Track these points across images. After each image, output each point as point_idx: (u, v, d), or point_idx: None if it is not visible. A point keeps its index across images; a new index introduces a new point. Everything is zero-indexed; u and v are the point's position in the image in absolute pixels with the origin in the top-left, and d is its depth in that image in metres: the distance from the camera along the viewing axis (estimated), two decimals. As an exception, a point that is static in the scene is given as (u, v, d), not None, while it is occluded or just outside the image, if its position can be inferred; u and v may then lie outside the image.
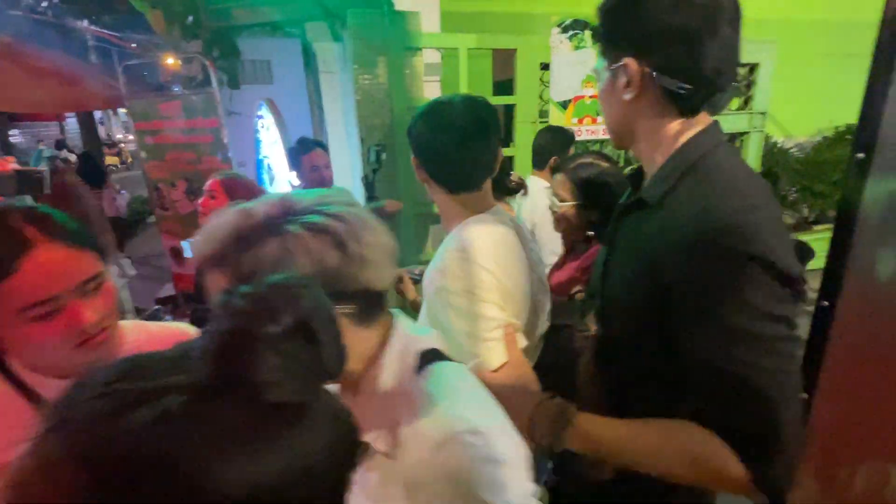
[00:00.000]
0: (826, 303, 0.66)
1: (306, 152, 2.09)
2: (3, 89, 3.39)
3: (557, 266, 1.45)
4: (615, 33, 0.62)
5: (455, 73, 2.49)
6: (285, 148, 2.60)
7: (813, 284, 0.63)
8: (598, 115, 2.69)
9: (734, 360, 0.55)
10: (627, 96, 0.62)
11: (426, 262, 0.92)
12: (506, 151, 2.67)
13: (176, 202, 3.27)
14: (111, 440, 0.26)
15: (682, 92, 0.59)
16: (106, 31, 4.08)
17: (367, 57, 2.39)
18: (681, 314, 0.59)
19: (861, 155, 0.61)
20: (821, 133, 4.21)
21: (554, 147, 2.16)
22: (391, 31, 2.33)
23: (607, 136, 2.86)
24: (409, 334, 0.56)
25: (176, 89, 3.25)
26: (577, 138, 2.70)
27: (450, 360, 0.56)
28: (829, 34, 3.99)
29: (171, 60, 3.41)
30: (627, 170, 2.45)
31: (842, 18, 3.58)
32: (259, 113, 2.69)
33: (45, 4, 3.64)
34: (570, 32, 2.52)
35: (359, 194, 2.55)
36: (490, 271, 0.76)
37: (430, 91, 2.58)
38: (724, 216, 0.56)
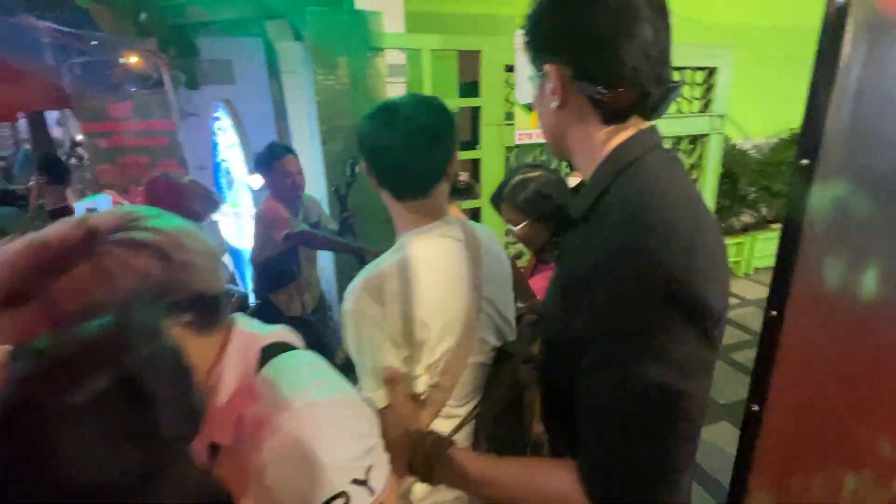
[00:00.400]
0: (774, 312, 0.65)
1: (278, 158, 2.00)
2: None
3: (530, 273, 1.44)
4: (537, 41, 0.60)
5: (421, 74, 2.45)
6: (244, 151, 2.50)
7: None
8: (563, 117, 2.70)
9: (624, 396, 0.50)
10: (553, 105, 0.59)
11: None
12: (472, 154, 2.65)
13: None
14: None
15: (602, 97, 0.56)
16: (58, 29, 3.86)
17: (327, 58, 2.32)
18: (577, 340, 0.53)
19: (805, 161, 0.60)
20: (777, 135, 4.37)
21: None
22: (352, 32, 2.27)
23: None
24: (250, 333, 0.57)
25: (130, 89, 3.09)
26: (542, 141, 2.70)
27: (296, 349, 0.58)
28: (783, 39, 4.15)
29: (122, 59, 3.24)
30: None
31: (795, 24, 3.72)
32: (216, 115, 2.58)
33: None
34: (535, 35, 2.51)
35: (323, 200, 2.48)
36: (400, 303, 0.72)
37: (395, 92, 2.53)
38: (631, 241, 0.50)
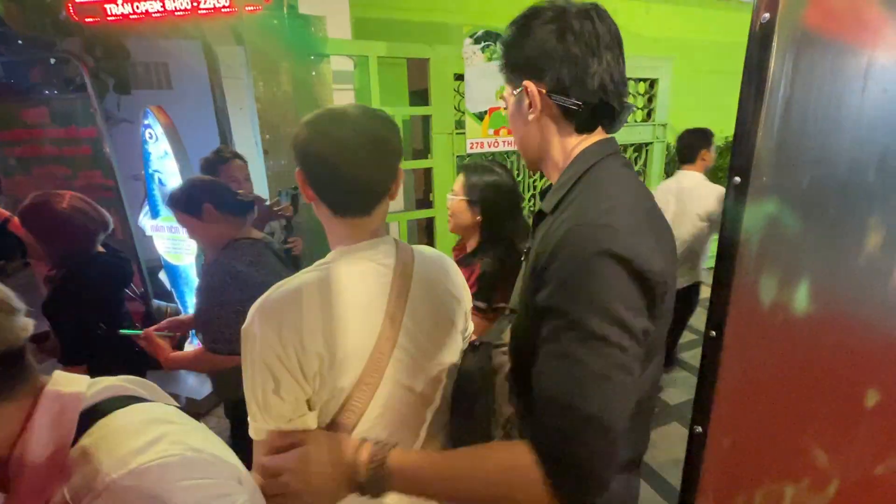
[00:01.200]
0: (713, 332, 0.63)
1: (224, 163, 1.86)
2: None
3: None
4: (516, 60, 0.68)
5: (368, 81, 2.38)
6: (178, 160, 2.33)
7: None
8: (514, 126, 2.72)
9: (571, 356, 0.55)
10: (531, 116, 0.68)
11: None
12: (423, 163, 2.60)
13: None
14: None
15: (574, 108, 0.66)
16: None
17: (267, 63, 2.21)
18: (538, 311, 0.59)
19: (738, 179, 0.58)
20: (714, 143, 4.62)
21: (701, 142, 2.57)
22: (293, 36, 2.17)
23: (523, 147, 2.90)
24: (68, 393, 0.48)
25: (47, 94, 2.82)
26: (494, 149, 2.70)
27: (135, 400, 0.50)
28: (718, 53, 4.41)
29: (39, 60, 2.96)
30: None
31: (729, 40, 3.97)
32: (145, 122, 2.39)
33: None
34: (483, 44, 2.51)
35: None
36: (294, 328, 0.65)
37: (342, 100, 2.45)
38: (587, 219, 0.59)
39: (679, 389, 2.63)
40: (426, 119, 2.56)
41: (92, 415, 0.47)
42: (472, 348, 0.83)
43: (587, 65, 0.64)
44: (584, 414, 0.53)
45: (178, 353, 1.34)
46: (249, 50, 2.23)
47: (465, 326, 0.90)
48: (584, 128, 0.69)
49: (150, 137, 2.43)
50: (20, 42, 3.05)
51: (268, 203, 1.92)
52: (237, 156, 1.99)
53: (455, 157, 2.60)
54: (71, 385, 0.49)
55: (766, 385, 0.66)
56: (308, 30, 2.19)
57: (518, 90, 0.69)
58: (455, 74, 2.53)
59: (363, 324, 0.69)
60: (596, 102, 0.66)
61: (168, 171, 2.42)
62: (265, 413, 0.65)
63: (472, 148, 2.62)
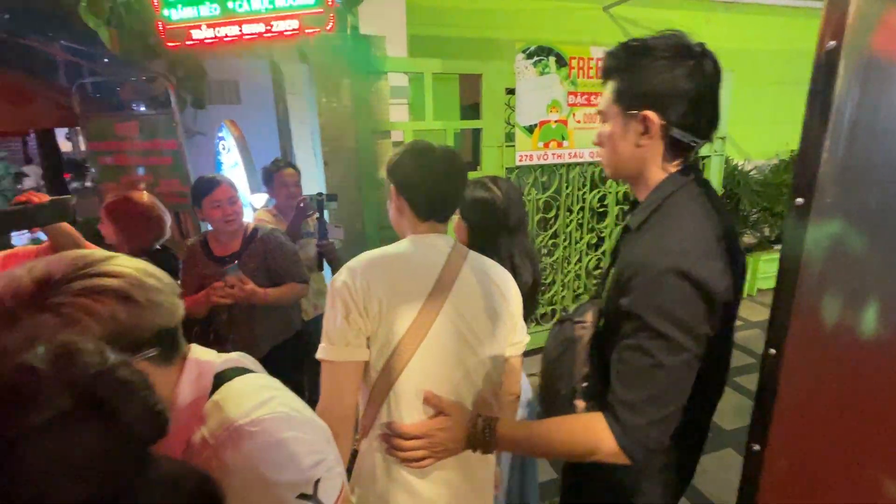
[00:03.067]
0: (773, 351, 0.64)
1: (278, 171, 2.22)
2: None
3: None
4: (637, 89, 0.74)
5: (423, 96, 2.49)
6: (247, 170, 2.53)
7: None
8: (563, 139, 2.73)
9: (643, 349, 0.71)
10: (643, 143, 0.76)
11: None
12: (473, 174, 2.66)
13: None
14: None
15: (691, 143, 0.74)
16: (72, 48, 3.96)
17: (330, 80, 2.36)
18: (622, 313, 0.74)
19: (800, 200, 0.59)
20: (778, 156, 4.38)
21: None
22: (355, 55, 2.31)
23: (573, 160, 2.89)
24: (205, 361, 0.59)
25: (138, 109, 3.15)
26: (543, 162, 2.73)
27: (248, 371, 0.61)
28: (780, 62, 4.20)
29: (130, 80, 3.32)
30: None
31: (793, 48, 3.77)
32: (220, 134, 2.61)
33: (5, 17, 3.50)
34: (535, 58, 2.55)
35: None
36: (368, 278, 0.83)
37: (397, 114, 2.57)
38: (665, 241, 0.72)
39: (733, 413, 2.51)
40: (477, 132, 2.63)
41: (220, 378, 0.58)
42: (557, 323, 1.00)
43: (709, 106, 0.73)
44: (648, 393, 0.71)
45: (270, 288, 1.70)
46: (314, 68, 2.39)
47: (514, 333, 0.97)
48: (680, 156, 0.77)
49: (224, 149, 2.65)
50: (108, 63, 3.42)
51: (302, 205, 2.11)
52: (290, 165, 2.30)
53: (505, 170, 2.64)
54: (205, 356, 0.61)
55: (827, 406, 0.65)
56: (369, 49, 2.32)
57: (630, 114, 0.75)
58: (506, 89, 2.58)
59: (416, 285, 0.86)
60: (704, 137, 0.75)
61: (237, 180, 2.63)
62: (333, 336, 0.83)
63: (521, 160, 2.66)
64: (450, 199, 0.93)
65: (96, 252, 0.52)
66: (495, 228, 1.24)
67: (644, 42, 0.74)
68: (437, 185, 0.90)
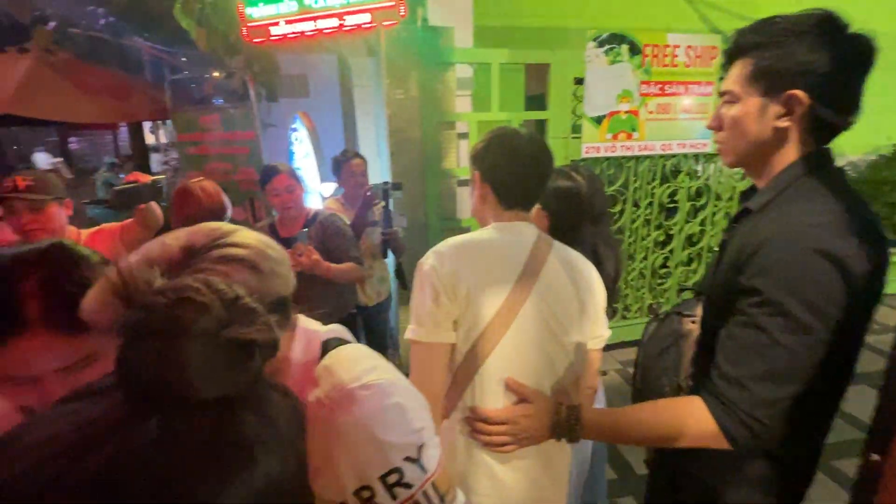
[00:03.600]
0: (906, 352, 0.58)
1: (347, 161, 2.31)
2: (63, 101, 3.61)
3: None
4: (782, 65, 0.69)
5: (487, 87, 2.48)
6: (317, 160, 2.65)
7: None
8: (633, 130, 2.62)
9: (758, 326, 0.66)
10: (783, 124, 0.71)
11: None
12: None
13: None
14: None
15: (834, 123, 0.69)
16: (156, 48, 4.31)
17: (400, 72, 2.40)
18: (738, 291, 0.69)
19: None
20: (877, 150, 3.95)
21: None
22: (425, 47, 2.34)
23: (643, 153, 2.76)
24: (311, 329, 0.64)
25: (217, 102, 3.38)
26: (611, 154, 2.63)
27: (347, 342, 0.65)
28: (885, 44, 3.76)
29: (215, 75, 3.55)
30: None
31: (890, 29, 3.37)
32: (293, 126, 2.75)
33: (102, 22, 3.88)
34: (607, 46, 2.46)
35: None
36: (456, 262, 0.84)
37: (462, 105, 2.57)
38: (801, 219, 0.66)
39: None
40: (542, 123, 2.59)
41: (326, 345, 0.62)
42: (657, 319, 0.97)
43: (857, 86, 0.69)
44: (759, 370, 0.65)
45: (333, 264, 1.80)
46: (383, 60, 2.44)
47: (597, 326, 0.95)
48: (819, 139, 0.71)
49: (296, 140, 2.79)
50: (200, 60, 3.68)
51: (369, 194, 2.17)
52: (358, 155, 2.38)
53: (570, 162, 2.58)
54: (311, 325, 0.65)
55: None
56: (438, 40, 2.34)
57: (772, 94, 0.70)
58: (574, 79, 2.51)
59: (503, 271, 0.87)
60: (850, 120, 0.70)
61: (308, 169, 2.76)
62: (423, 317, 0.85)
63: (587, 153, 2.58)
64: (536, 188, 0.93)
65: (224, 225, 0.57)
66: (578, 218, 1.22)
67: (790, 18, 0.70)
68: (523, 173, 0.90)
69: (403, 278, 2.26)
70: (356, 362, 0.59)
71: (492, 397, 0.85)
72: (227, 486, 0.29)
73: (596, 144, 2.58)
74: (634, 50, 2.50)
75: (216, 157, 3.27)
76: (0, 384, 0.59)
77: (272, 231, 1.95)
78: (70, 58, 3.76)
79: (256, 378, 0.35)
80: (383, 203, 2.14)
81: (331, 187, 2.70)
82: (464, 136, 2.58)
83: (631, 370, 1.01)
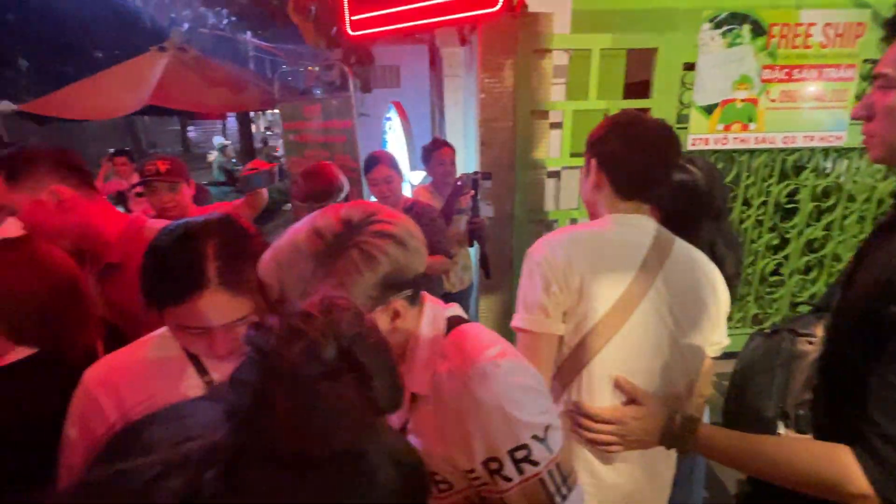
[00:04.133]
0: None
1: (438, 149, 2.39)
2: (193, 94, 4.09)
3: None
4: None
5: (583, 74, 2.37)
6: (408, 148, 2.75)
7: None
8: (749, 121, 2.36)
9: None
10: None
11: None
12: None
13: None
14: None
15: None
16: (265, 44, 4.70)
17: (494, 60, 2.38)
18: (890, 323, 0.60)
19: None
20: None
21: None
22: (522, 33, 2.29)
23: (760, 146, 2.48)
24: (436, 305, 0.67)
25: (318, 93, 3.62)
26: (721, 147, 2.40)
27: (467, 321, 0.67)
28: None
29: (316, 68, 3.80)
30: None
31: None
32: (388, 115, 2.86)
33: (224, 22, 4.31)
34: (725, 28, 2.24)
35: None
36: (570, 254, 0.82)
37: (557, 94, 2.49)
38: None
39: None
40: (643, 112, 2.42)
41: (450, 322, 0.65)
42: (765, 334, 0.89)
43: None
44: None
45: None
46: (478, 49, 2.44)
47: (716, 332, 0.88)
48: None
49: (390, 129, 2.90)
50: (305, 53, 3.95)
51: (459, 183, 2.18)
52: (447, 144, 2.44)
53: (672, 155, 2.40)
54: (434, 301, 0.68)
55: None
56: (536, 27, 2.28)
57: None
58: (684, 64, 2.32)
59: (620, 266, 0.83)
60: None
61: (400, 159, 2.87)
62: (532, 306, 0.84)
63: (693, 144, 2.38)
64: (659, 179, 0.87)
65: (372, 203, 0.61)
66: (696, 214, 1.12)
67: None
68: (646, 162, 0.85)
69: (488, 267, 2.27)
70: (485, 340, 0.62)
71: (598, 395, 0.83)
72: None
73: (704, 136, 2.37)
74: (758, 30, 2.24)
75: (316, 144, 3.51)
76: (177, 332, 0.69)
77: None
78: (198, 55, 4.25)
79: (373, 434, 0.30)
80: (473, 192, 2.15)
81: (420, 175, 2.77)
82: (556, 125, 2.50)
83: (725, 383, 0.89)
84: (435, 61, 4.00)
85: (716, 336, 0.89)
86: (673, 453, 0.84)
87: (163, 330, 0.79)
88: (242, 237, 0.71)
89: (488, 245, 2.29)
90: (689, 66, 2.32)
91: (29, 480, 0.80)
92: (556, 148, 2.52)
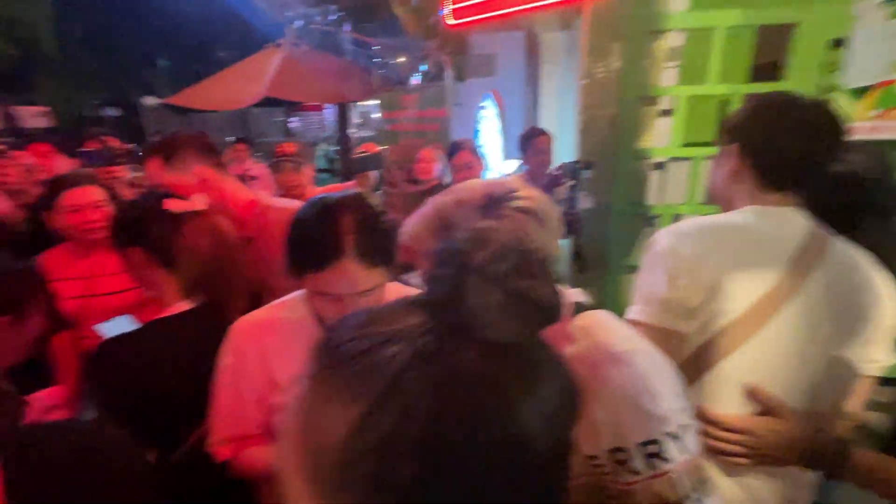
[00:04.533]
0: None
1: (535, 137, 2.38)
2: (304, 86, 4.44)
3: None
4: None
5: (701, 56, 2.16)
6: (502, 138, 2.73)
7: None
8: (915, 105, 1.98)
9: None
10: None
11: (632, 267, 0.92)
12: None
13: (401, 183, 3.79)
14: (369, 373, 0.29)
15: None
16: (365, 37, 4.93)
17: (600, 43, 2.26)
18: None
19: None
20: None
21: None
22: (634, 13, 2.14)
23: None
24: (562, 289, 0.65)
25: (415, 83, 3.73)
26: (874, 136, 2.05)
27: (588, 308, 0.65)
28: None
29: (412, 57, 3.91)
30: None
31: None
32: (483, 104, 2.86)
33: (332, 18, 4.60)
34: (891, -5, 1.89)
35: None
36: (706, 248, 0.76)
37: (669, 79, 2.30)
38: None
39: None
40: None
41: (577, 306, 0.64)
42: None
43: None
44: None
45: None
46: (584, 32, 2.33)
47: (877, 348, 0.76)
48: None
49: (484, 117, 2.90)
50: (404, 45, 4.07)
51: (557, 173, 2.11)
52: (544, 133, 2.41)
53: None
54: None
55: None
56: (650, 6, 2.12)
57: None
58: (831, 41, 2.01)
59: (763, 263, 0.75)
60: None
61: (492, 147, 2.86)
62: (652, 299, 0.79)
63: (835, 134, 2.07)
64: (814, 167, 0.78)
65: (514, 180, 0.63)
66: (856, 210, 0.98)
67: None
68: (804, 149, 0.76)
69: (582, 260, 2.19)
70: (615, 327, 0.60)
71: (725, 401, 0.76)
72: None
73: (853, 124, 2.04)
74: (936, -4, 1.86)
75: (410, 133, 3.63)
76: (314, 297, 0.77)
77: None
78: (308, 49, 4.58)
79: (536, 334, 0.35)
80: (569, 182, 2.08)
81: (513, 165, 2.74)
82: (666, 113, 2.32)
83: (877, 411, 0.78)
84: (532, 48, 3.91)
85: (877, 352, 0.77)
86: (810, 476, 0.75)
87: (294, 294, 0.88)
88: (375, 213, 0.76)
89: (582, 237, 2.20)
90: (838, 43, 2.00)
91: (182, 418, 0.94)
92: (663, 137, 2.34)
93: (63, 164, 2.22)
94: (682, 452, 0.52)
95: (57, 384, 1.30)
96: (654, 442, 0.52)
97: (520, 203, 0.57)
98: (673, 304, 0.77)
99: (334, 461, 0.27)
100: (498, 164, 3.06)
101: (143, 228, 0.98)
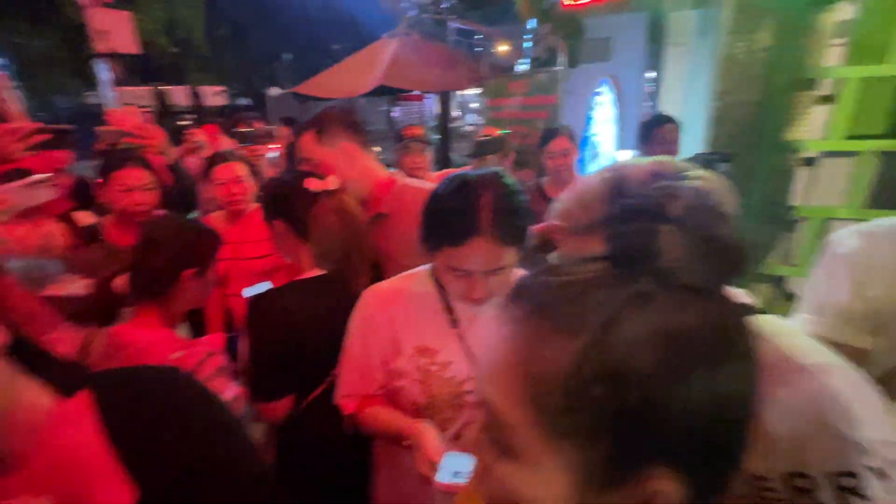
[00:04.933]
0: None
1: (660, 125, 2.17)
2: (416, 75, 4.59)
3: None
4: None
5: (877, 32, 1.80)
6: (617, 126, 2.55)
7: None
8: None
9: None
10: None
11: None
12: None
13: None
14: (590, 311, 0.30)
15: None
16: (474, 24, 4.93)
17: (746, 20, 2.00)
18: None
19: None
20: None
21: None
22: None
23: None
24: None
25: (524, 69, 3.64)
26: None
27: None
28: None
29: (518, 44, 3.82)
30: None
31: None
32: (598, 90, 2.70)
33: (444, 6, 4.67)
34: None
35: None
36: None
37: (831, 59, 1.97)
38: None
39: None
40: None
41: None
42: None
43: None
44: None
45: None
46: (727, 5, 2.07)
47: None
48: None
49: (599, 104, 2.74)
50: (495, 29, 3.99)
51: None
52: (671, 120, 2.19)
53: None
54: None
55: None
56: (818, -28, 1.82)
57: None
58: None
59: None
60: None
61: (606, 136, 2.70)
62: (829, 309, 0.70)
63: None
64: None
65: (681, 162, 0.57)
66: None
67: None
68: None
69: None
70: (798, 337, 0.53)
71: None
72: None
73: None
74: None
75: (517, 120, 3.56)
76: (445, 272, 0.78)
77: (539, 191, 2.01)
78: (419, 39, 4.72)
79: (719, 281, 0.34)
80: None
81: (626, 154, 2.56)
82: (826, 99, 1.98)
83: None
84: (654, 30, 3.59)
85: None
86: None
87: (422, 268, 0.91)
88: (511, 192, 0.74)
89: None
90: None
91: (313, 368, 1.04)
92: (818, 127, 2.00)
93: (225, 143, 2.59)
94: (890, 494, 0.44)
95: (208, 333, 1.52)
96: (850, 474, 0.45)
97: (692, 184, 0.51)
98: (857, 316, 0.68)
99: (560, 387, 0.30)
100: (611, 153, 2.87)
101: (286, 204, 1.09)
